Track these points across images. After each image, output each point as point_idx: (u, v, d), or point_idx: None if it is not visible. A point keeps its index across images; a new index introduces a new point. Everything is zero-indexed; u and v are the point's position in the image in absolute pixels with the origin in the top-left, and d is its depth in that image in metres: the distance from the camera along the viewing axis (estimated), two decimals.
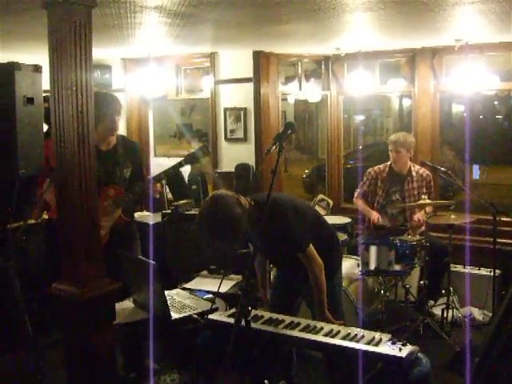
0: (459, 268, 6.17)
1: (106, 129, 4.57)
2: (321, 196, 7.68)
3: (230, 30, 5.58)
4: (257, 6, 4.27)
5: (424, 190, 6.01)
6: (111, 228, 4.67)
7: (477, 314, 5.81)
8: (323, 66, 7.67)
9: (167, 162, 7.15)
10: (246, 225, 3.61)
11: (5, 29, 5.02)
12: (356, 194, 6.41)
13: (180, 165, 4.64)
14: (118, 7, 4.00)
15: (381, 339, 3.11)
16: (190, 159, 4.64)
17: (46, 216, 5.85)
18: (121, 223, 4.74)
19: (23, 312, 4.16)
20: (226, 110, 7.67)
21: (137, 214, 7.05)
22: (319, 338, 3.22)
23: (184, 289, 4.50)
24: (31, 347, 4.17)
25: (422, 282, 5.57)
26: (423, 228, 5.88)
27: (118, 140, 4.78)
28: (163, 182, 7.11)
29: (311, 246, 3.81)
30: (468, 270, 6.13)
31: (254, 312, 3.58)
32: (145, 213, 7.20)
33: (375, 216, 6.05)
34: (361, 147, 14.08)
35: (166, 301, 4.00)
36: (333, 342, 3.15)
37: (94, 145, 4.24)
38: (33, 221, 5.54)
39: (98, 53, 7.23)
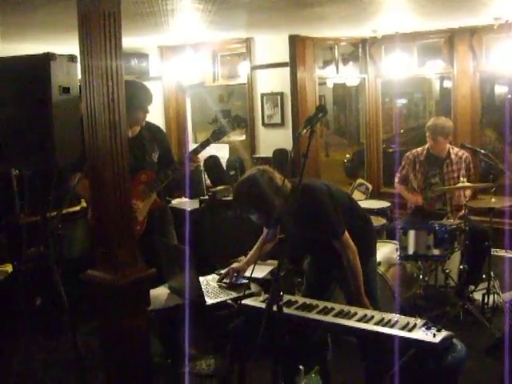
0: (500, 252, 6.05)
1: (138, 118, 4.63)
2: (360, 180, 7.63)
3: (264, 15, 5.54)
4: None
5: (463, 173, 5.90)
6: (148, 213, 4.72)
7: None
8: (360, 49, 7.60)
9: (206, 148, 7.18)
10: (280, 204, 3.59)
11: (40, 20, 5.08)
12: (396, 179, 6.35)
13: (208, 142, 4.68)
14: None
15: (415, 325, 3.07)
16: (217, 135, 4.67)
17: (84, 204, 5.95)
18: (157, 208, 4.80)
19: (63, 299, 4.22)
20: (262, 95, 7.65)
21: (175, 201, 7.12)
22: (352, 323, 3.20)
23: (219, 274, 4.50)
24: (71, 334, 4.22)
25: (461, 267, 5.48)
26: (463, 212, 5.79)
27: (142, 126, 4.81)
28: (201, 168, 7.16)
29: (346, 231, 3.78)
30: (509, 254, 6.00)
31: (287, 297, 3.58)
32: (183, 199, 7.24)
33: (414, 199, 5.98)
34: (402, 131, 13.89)
35: (200, 286, 4.02)
36: (366, 328, 3.12)
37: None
38: (69, 209, 5.63)
39: (135, 41, 7.28)
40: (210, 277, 4.52)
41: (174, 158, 4.97)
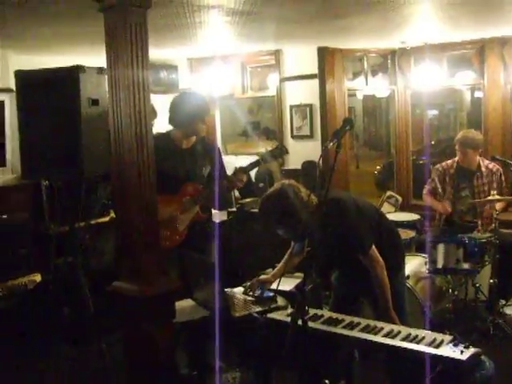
0: None
1: (198, 129, 4.76)
2: (389, 193, 7.56)
3: (292, 27, 5.55)
4: (315, 1, 4.23)
5: (494, 186, 5.82)
6: (190, 225, 4.75)
7: None
8: (389, 60, 7.56)
9: (234, 161, 7.18)
10: (307, 218, 3.57)
11: (69, 33, 5.14)
12: (425, 191, 6.28)
13: (258, 163, 4.78)
14: (175, 7, 4.02)
15: (442, 341, 3.02)
16: (269, 158, 4.77)
17: (113, 215, 5.98)
18: (199, 221, 4.82)
19: (90, 309, 4.25)
20: (291, 107, 7.64)
21: None
22: (378, 338, 3.16)
23: (247, 293, 4.48)
24: (97, 344, 4.25)
25: (492, 281, 5.38)
26: (494, 225, 5.70)
27: (197, 139, 4.86)
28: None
29: (373, 246, 3.74)
30: None
31: (313, 311, 3.55)
32: (212, 211, 7.23)
33: (443, 208, 5.91)
34: (433, 142, 13.76)
35: (226, 299, 4.00)
36: (392, 343, 3.08)
37: (173, 143, 4.58)
38: (98, 220, 5.66)
39: (164, 53, 7.33)
40: (236, 289, 4.50)
41: (225, 172, 5.00)
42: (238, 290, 4.49)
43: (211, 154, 4.88)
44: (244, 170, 4.75)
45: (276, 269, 4.36)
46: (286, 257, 4.32)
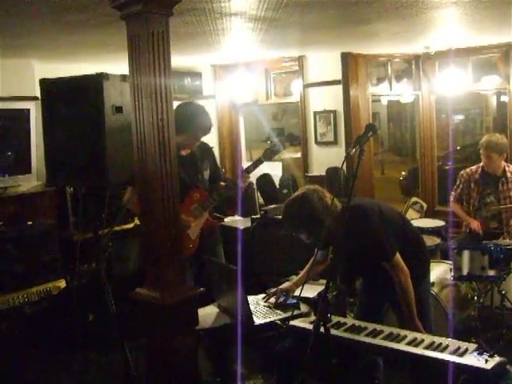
0: None
1: (196, 138, 4.73)
2: (414, 199, 7.53)
3: (315, 33, 5.55)
4: (336, 7, 4.22)
5: None
6: (200, 232, 4.76)
7: None
8: (413, 66, 7.53)
9: (260, 167, 7.18)
10: (331, 223, 3.55)
11: (92, 41, 5.19)
12: (452, 198, 6.23)
13: (259, 161, 4.78)
14: (197, 15, 4.04)
15: (466, 349, 2.97)
16: (269, 154, 4.77)
17: (137, 222, 6.01)
18: (209, 226, 4.84)
19: (113, 315, 4.26)
20: (315, 113, 7.63)
21: (228, 219, 7.12)
22: (401, 346, 3.12)
23: (267, 300, 4.47)
24: (121, 351, 4.26)
25: None
26: None
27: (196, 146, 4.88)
28: (254, 186, 7.18)
29: (397, 254, 3.71)
30: None
31: (336, 319, 3.53)
32: (235, 217, 7.25)
33: (476, 225, 5.85)
34: (458, 148, 13.66)
35: (249, 306, 3.99)
36: (415, 352, 3.04)
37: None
38: (123, 227, 5.70)
39: (188, 60, 7.36)
40: (259, 296, 4.50)
41: (221, 174, 5.02)
42: (262, 297, 4.49)
43: (208, 156, 4.93)
44: (247, 170, 4.75)
45: (298, 276, 4.35)
46: (308, 264, 4.30)
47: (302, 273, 4.34)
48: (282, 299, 4.24)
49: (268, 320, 4.00)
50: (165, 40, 3.35)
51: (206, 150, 4.98)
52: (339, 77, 7.23)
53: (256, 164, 4.80)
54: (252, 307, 4.12)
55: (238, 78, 7.93)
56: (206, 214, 4.80)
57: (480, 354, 2.88)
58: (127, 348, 4.14)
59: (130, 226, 6.31)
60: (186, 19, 4.18)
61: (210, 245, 4.91)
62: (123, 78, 4.44)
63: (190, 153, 4.81)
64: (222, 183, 4.87)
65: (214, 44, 5.64)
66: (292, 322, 3.64)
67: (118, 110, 4.34)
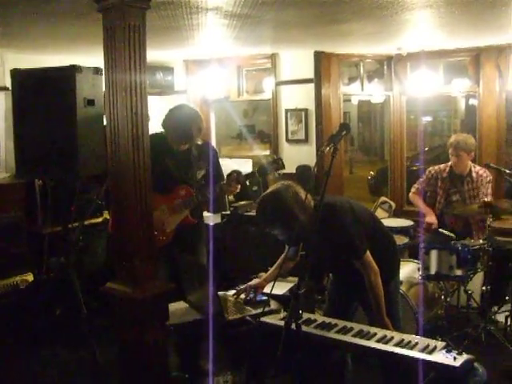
0: None
1: (191, 139, 4.81)
2: (383, 198, 7.58)
3: (289, 31, 5.55)
4: (312, 6, 4.23)
5: (484, 191, 5.85)
6: (178, 228, 4.77)
7: None
8: (385, 66, 7.58)
9: (229, 163, 7.17)
10: (303, 220, 3.56)
11: (66, 33, 5.13)
12: (414, 190, 6.30)
13: (253, 175, 4.89)
14: (174, 9, 4.01)
15: (435, 347, 3.01)
16: (264, 170, 4.87)
17: (107, 216, 5.97)
18: (188, 224, 4.83)
19: (82, 310, 4.23)
20: (287, 111, 7.63)
21: None
22: (371, 343, 3.15)
23: (237, 297, 4.48)
24: (89, 345, 4.23)
25: (484, 288, 5.38)
26: (487, 232, 5.72)
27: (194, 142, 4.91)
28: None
29: (368, 252, 3.74)
30: None
31: (306, 315, 3.54)
32: (206, 214, 7.22)
33: (432, 219, 5.93)
34: (426, 149, 13.80)
35: (219, 302, 4.00)
36: (385, 349, 3.08)
37: (169, 144, 4.68)
38: (91, 221, 5.65)
39: (160, 55, 7.32)
40: (230, 292, 4.50)
41: (222, 176, 5.02)
42: (232, 293, 4.49)
43: (207, 158, 4.90)
44: (238, 180, 4.78)
45: (268, 272, 4.35)
46: (279, 261, 4.31)
47: (271, 269, 4.35)
48: (251, 296, 4.25)
49: (239, 316, 4.01)
50: (141, 34, 3.33)
51: (205, 149, 4.98)
52: (311, 75, 7.24)
53: (249, 176, 4.88)
54: (222, 303, 4.12)
55: (210, 73, 7.90)
56: (187, 211, 4.80)
57: (448, 351, 2.92)
58: (95, 343, 4.13)
59: (99, 220, 6.26)
60: (162, 13, 4.16)
61: (192, 242, 4.93)
62: (96, 70, 4.41)
63: (185, 149, 4.82)
64: (224, 185, 4.89)
65: (188, 39, 5.62)
66: (262, 319, 3.65)
67: (90, 102, 4.31)
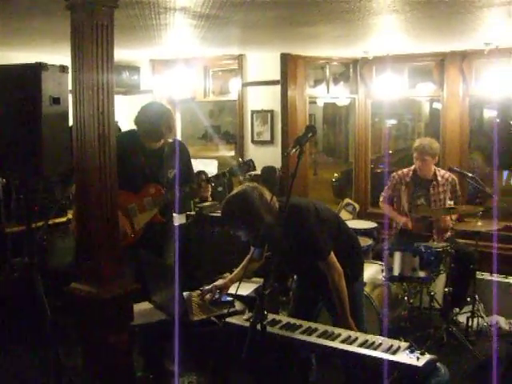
0: (486, 276, 6.07)
1: (162, 136, 4.80)
2: (347, 200, 7.63)
3: (257, 32, 5.56)
4: (281, 8, 4.25)
5: (449, 195, 5.93)
6: (147, 226, 4.76)
7: (503, 323, 5.70)
8: (351, 69, 7.64)
9: (194, 164, 7.15)
10: (269, 221, 3.58)
11: (32, 29, 5.07)
12: (381, 198, 6.35)
13: (223, 175, 4.89)
14: (142, 8, 4.00)
15: (399, 347, 3.06)
16: (235, 172, 4.89)
17: (70, 216, 5.91)
18: (156, 223, 4.82)
19: (46, 310, 4.18)
20: (253, 112, 7.65)
21: None
22: (336, 344, 3.18)
23: (202, 298, 4.48)
24: (52, 347, 4.18)
25: (447, 289, 5.46)
26: (449, 234, 5.80)
27: (166, 141, 4.89)
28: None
29: (332, 253, 3.77)
30: (495, 278, 6.02)
31: (271, 316, 3.55)
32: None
33: (404, 220, 5.99)
34: (390, 152, 13.95)
35: (184, 303, 3.99)
36: (349, 349, 3.11)
37: (141, 142, 4.66)
38: (54, 220, 5.59)
39: (127, 54, 7.28)
40: (195, 293, 4.49)
41: (193, 177, 5.02)
42: (197, 294, 4.48)
43: (180, 156, 4.89)
44: (208, 181, 4.79)
45: (234, 273, 4.36)
46: (244, 261, 4.32)
47: (236, 270, 4.36)
48: (216, 296, 4.25)
49: (204, 317, 4.00)
50: (109, 32, 3.32)
51: (180, 150, 4.95)
52: (278, 77, 7.27)
53: (220, 177, 4.89)
54: (187, 304, 4.11)
55: (176, 73, 7.87)
56: (156, 210, 4.79)
57: (412, 351, 2.96)
58: (59, 343, 4.08)
59: (63, 219, 6.20)
60: (130, 12, 4.13)
61: (160, 241, 4.94)
62: (62, 68, 4.35)
63: (158, 148, 4.81)
64: (194, 186, 4.88)
65: (156, 39, 5.59)
66: (227, 319, 3.65)
67: (56, 101, 4.26)
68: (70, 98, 3.71)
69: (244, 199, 3.65)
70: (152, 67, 8.22)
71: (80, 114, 3.40)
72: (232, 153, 11.13)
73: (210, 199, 6.11)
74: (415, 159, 6.02)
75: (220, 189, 7.80)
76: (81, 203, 3.59)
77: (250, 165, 4.87)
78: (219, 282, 4.34)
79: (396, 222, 6.21)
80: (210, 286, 4.31)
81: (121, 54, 6.95)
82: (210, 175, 7.70)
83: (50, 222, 5.69)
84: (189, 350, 4.14)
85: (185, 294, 4.21)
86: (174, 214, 6.99)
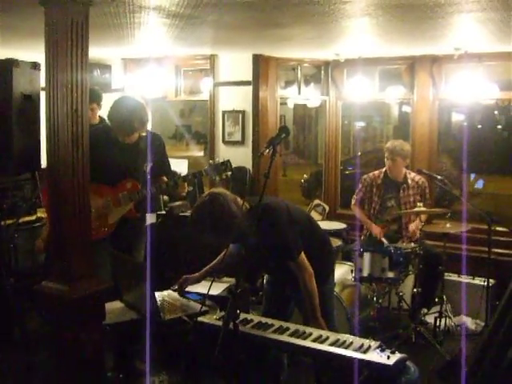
0: (453, 277, 6.17)
1: (135, 130, 4.80)
2: (317, 201, 7.67)
3: (230, 33, 5.57)
4: (256, 9, 4.26)
5: (419, 198, 6.00)
6: (121, 221, 4.78)
7: (470, 323, 5.79)
8: (323, 71, 7.69)
9: None
10: (239, 224, 3.61)
11: (4, 25, 5.01)
12: (353, 201, 6.39)
13: (200, 174, 4.97)
14: (116, 6, 3.97)
15: (369, 346, 3.10)
16: (213, 172, 4.90)
17: (40, 214, 5.86)
18: (131, 218, 4.85)
19: (14, 310, 4.16)
20: (224, 112, 7.64)
21: None
22: (307, 343, 3.21)
23: (175, 290, 4.49)
24: (22, 346, 4.16)
25: (415, 290, 5.53)
26: (418, 236, 5.88)
27: (141, 136, 4.90)
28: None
29: (302, 253, 3.80)
30: (462, 279, 6.11)
31: (243, 315, 3.57)
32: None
33: (377, 231, 6.03)
34: (359, 153, 14.06)
35: (156, 302, 3.99)
36: (320, 348, 3.14)
37: (115, 136, 4.69)
38: (24, 219, 5.54)
39: (98, 52, 7.23)
40: (165, 292, 4.49)
41: (169, 169, 5.05)
42: (167, 294, 4.49)
43: (155, 150, 4.89)
44: (184, 179, 4.81)
45: (204, 269, 4.35)
46: (219, 257, 4.32)
47: (209, 265, 4.35)
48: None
49: (175, 316, 4.00)
50: (84, 30, 3.30)
51: (154, 143, 4.94)
52: (250, 78, 7.28)
53: (196, 176, 4.92)
54: (158, 303, 4.11)
55: (148, 72, 7.84)
56: (131, 205, 4.80)
57: (382, 350, 3.01)
58: (29, 343, 4.05)
59: (33, 218, 6.13)
60: (105, 10, 4.10)
61: (132, 237, 4.97)
62: (34, 65, 4.34)
63: (134, 142, 4.80)
64: (164, 178, 4.91)
65: (129, 37, 5.56)
66: (199, 319, 3.67)
67: (27, 98, 4.24)
68: (43, 95, 3.67)
69: (213, 205, 3.63)
70: (124, 66, 8.18)
71: (53, 112, 3.36)
72: (202, 153, 11.12)
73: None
74: (386, 159, 6.08)
75: (190, 188, 7.80)
76: (53, 201, 3.55)
77: (227, 165, 4.89)
78: (190, 276, 4.35)
79: (366, 228, 6.27)
80: (180, 281, 4.32)
81: (92, 51, 6.87)
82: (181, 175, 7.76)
83: (20, 221, 5.64)
84: (160, 349, 4.14)
85: (157, 293, 4.21)
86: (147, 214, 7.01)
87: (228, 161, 4.96)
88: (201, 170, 4.90)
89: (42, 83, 3.85)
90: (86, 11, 3.31)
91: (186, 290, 4.36)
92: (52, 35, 3.30)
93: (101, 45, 6.31)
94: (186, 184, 4.91)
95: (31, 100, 4.35)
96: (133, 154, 4.80)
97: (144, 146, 4.84)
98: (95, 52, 7.12)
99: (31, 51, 5.06)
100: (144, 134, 4.90)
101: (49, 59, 3.35)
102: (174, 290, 4.30)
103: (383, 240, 5.93)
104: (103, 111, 4.96)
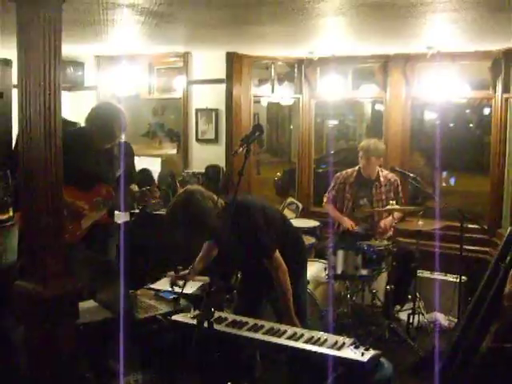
0: (426, 274, 6.22)
1: (113, 137, 4.79)
2: (290, 199, 7.68)
3: (203, 30, 5.56)
4: (229, 7, 4.27)
5: (392, 195, 6.03)
6: (93, 225, 4.76)
7: (443, 319, 5.85)
8: (296, 70, 7.70)
9: (138, 162, 7.10)
10: (215, 222, 3.61)
11: None
12: (325, 199, 6.41)
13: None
14: (90, 3, 3.96)
15: (344, 343, 3.12)
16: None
17: (11, 214, 5.79)
18: (104, 223, 4.85)
19: None
20: (197, 110, 7.62)
21: None
22: (282, 340, 3.23)
23: (149, 289, 4.48)
24: None
25: (388, 287, 5.57)
26: (391, 233, 5.92)
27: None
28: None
29: (277, 251, 3.81)
30: (435, 276, 6.18)
31: (217, 314, 3.58)
32: (115, 212, 7.13)
33: (349, 223, 6.05)
34: (332, 152, 14.12)
35: (130, 301, 3.97)
36: (295, 345, 3.16)
37: (91, 141, 4.67)
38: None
39: (71, 49, 7.16)
40: (139, 291, 4.48)
41: (135, 178, 5.10)
42: (141, 292, 4.47)
43: (126, 158, 4.89)
44: (158, 188, 4.83)
45: (195, 263, 4.33)
46: (203, 252, 4.31)
47: (197, 259, 4.34)
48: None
49: (149, 315, 3.99)
50: (57, 26, 3.27)
51: (128, 151, 4.95)
52: (223, 76, 7.27)
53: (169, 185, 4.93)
54: (132, 302, 4.10)
55: (121, 70, 7.79)
56: (105, 210, 4.80)
57: (356, 347, 3.04)
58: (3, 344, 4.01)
59: (4, 216, 6.06)
60: (78, 7, 4.08)
61: (103, 240, 4.95)
62: (6, 62, 4.29)
63: (106, 148, 4.77)
64: (134, 185, 4.97)
65: (102, 34, 5.53)
66: (174, 317, 3.66)
67: None
68: (15, 92, 3.63)
69: (188, 203, 3.66)
70: (97, 63, 8.11)
71: (26, 109, 3.32)
72: (175, 151, 11.05)
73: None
74: (360, 158, 6.10)
75: (164, 187, 7.77)
76: (26, 200, 3.52)
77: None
78: (181, 273, 4.34)
79: (337, 225, 6.30)
80: (171, 279, 4.32)
81: (65, 49, 6.81)
82: (153, 173, 7.75)
83: None
84: (134, 348, 4.13)
85: (131, 292, 4.20)
86: (118, 212, 6.97)
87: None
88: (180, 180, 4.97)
89: (14, 80, 3.81)
90: (60, 8, 3.28)
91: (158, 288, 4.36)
92: (24, 32, 3.26)
93: (74, 42, 6.26)
94: (157, 191, 4.91)
95: (3, 97, 4.29)
96: (106, 160, 4.79)
97: (117, 153, 4.84)
98: (68, 49, 7.05)
99: (3, 48, 5.01)
100: (117, 141, 4.88)
101: (21, 56, 3.30)
102: (148, 289, 4.28)
103: (356, 230, 5.97)
104: (75, 111, 4.92)
